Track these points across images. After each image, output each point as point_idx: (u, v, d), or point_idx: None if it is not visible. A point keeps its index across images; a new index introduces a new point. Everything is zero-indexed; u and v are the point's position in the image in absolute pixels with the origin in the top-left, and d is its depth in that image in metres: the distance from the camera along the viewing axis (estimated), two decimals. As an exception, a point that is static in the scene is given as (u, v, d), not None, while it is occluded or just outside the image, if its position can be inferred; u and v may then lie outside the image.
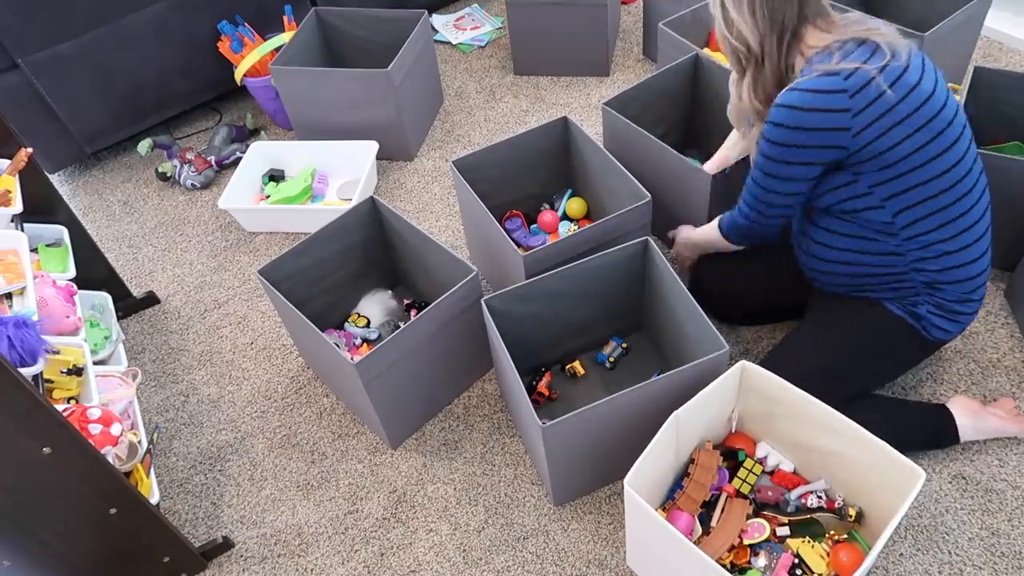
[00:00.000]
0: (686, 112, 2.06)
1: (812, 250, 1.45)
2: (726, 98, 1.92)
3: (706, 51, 2.02)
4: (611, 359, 1.73)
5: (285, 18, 2.46)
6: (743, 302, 1.72)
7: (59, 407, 1.31)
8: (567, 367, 1.72)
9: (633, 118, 1.81)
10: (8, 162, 1.61)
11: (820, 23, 1.28)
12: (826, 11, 1.29)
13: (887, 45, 1.24)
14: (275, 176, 2.32)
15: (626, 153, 1.82)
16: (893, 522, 1.15)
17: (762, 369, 1.36)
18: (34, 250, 1.67)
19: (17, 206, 1.57)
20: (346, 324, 1.87)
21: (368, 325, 1.85)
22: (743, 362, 1.37)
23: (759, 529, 1.34)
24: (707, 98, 1.99)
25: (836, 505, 1.36)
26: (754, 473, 1.41)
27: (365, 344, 1.82)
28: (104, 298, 1.89)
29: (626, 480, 1.23)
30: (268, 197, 2.26)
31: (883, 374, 1.55)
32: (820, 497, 1.37)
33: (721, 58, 2.16)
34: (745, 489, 1.41)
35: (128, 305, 2.05)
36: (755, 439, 1.49)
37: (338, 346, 1.78)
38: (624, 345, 1.75)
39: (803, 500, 1.38)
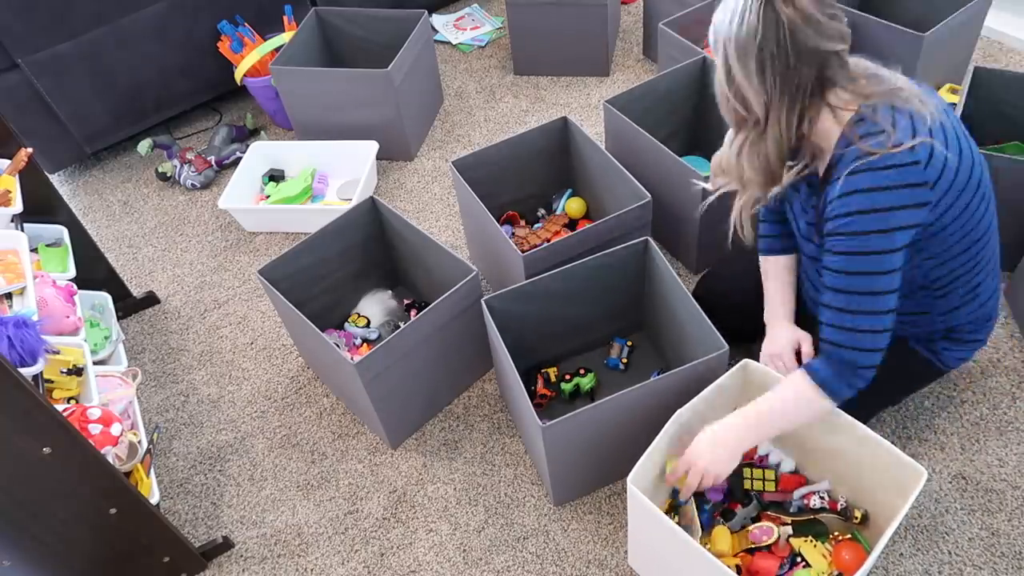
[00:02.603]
0: (692, 115, 2.05)
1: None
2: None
3: (707, 51, 2.01)
4: (624, 360, 1.73)
5: (285, 18, 2.46)
6: (745, 319, 1.59)
7: (59, 407, 1.31)
8: (573, 383, 1.68)
9: (636, 118, 1.80)
10: (8, 162, 1.61)
11: (847, 86, 1.13)
12: (851, 73, 1.14)
13: (920, 107, 1.12)
14: (275, 176, 2.32)
15: (626, 153, 1.82)
16: (895, 521, 1.15)
17: (766, 368, 1.36)
18: (34, 250, 1.67)
19: (17, 206, 1.57)
20: (346, 324, 1.87)
21: (368, 325, 1.85)
22: (746, 360, 1.37)
23: (767, 532, 1.34)
24: (714, 102, 1.97)
25: (839, 506, 1.36)
26: (768, 481, 1.41)
27: (365, 344, 1.82)
28: (104, 298, 1.89)
29: (629, 478, 1.23)
30: (268, 197, 2.26)
31: (896, 398, 1.56)
32: (823, 498, 1.37)
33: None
34: (758, 486, 1.40)
35: (128, 305, 2.05)
36: None
37: (338, 346, 1.78)
38: (629, 343, 1.75)
39: (806, 501, 1.38)
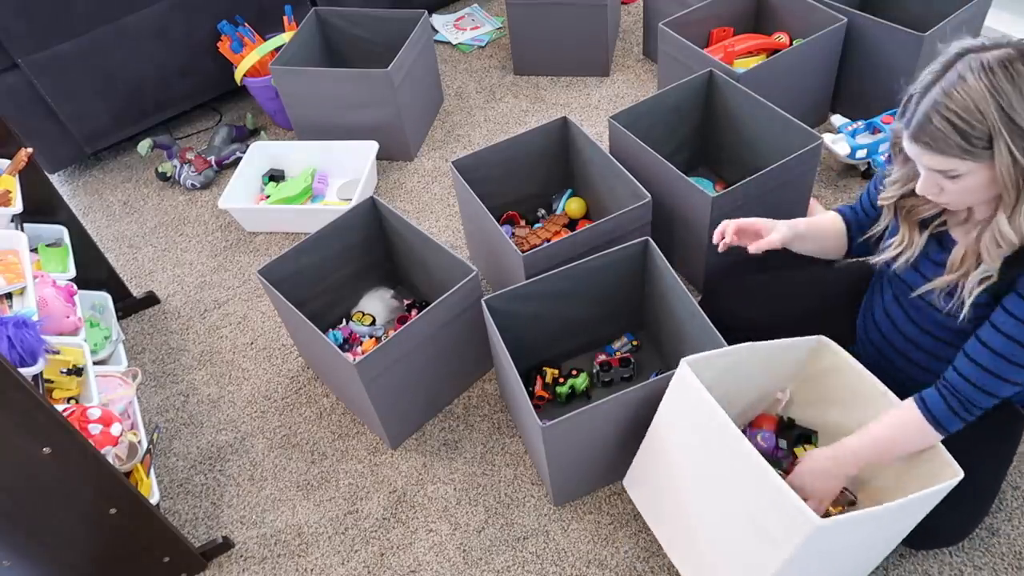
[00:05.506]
0: (698, 129, 2.03)
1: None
2: (740, 117, 1.88)
3: (706, 52, 2.01)
4: (619, 353, 1.73)
5: (285, 18, 2.46)
6: (752, 336, 1.50)
7: (59, 407, 1.32)
8: (567, 386, 1.67)
9: (641, 132, 1.78)
10: (8, 162, 1.61)
11: None
12: None
13: None
14: (275, 176, 2.32)
15: (631, 168, 1.76)
16: (908, 496, 1.09)
17: (840, 348, 1.33)
18: (34, 250, 1.67)
19: (17, 206, 1.57)
20: (351, 323, 1.86)
21: (374, 323, 1.85)
22: (821, 337, 1.34)
23: None
24: (720, 116, 1.96)
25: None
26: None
27: (368, 342, 1.82)
28: (104, 298, 1.89)
29: (687, 360, 1.21)
30: (268, 197, 2.26)
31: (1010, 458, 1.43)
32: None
33: (742, 62, 2.14)
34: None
35: (128, 305, 2.05)
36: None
37: (346, 341, 1.78)
38: (635, 342, 1.75)
39: None
